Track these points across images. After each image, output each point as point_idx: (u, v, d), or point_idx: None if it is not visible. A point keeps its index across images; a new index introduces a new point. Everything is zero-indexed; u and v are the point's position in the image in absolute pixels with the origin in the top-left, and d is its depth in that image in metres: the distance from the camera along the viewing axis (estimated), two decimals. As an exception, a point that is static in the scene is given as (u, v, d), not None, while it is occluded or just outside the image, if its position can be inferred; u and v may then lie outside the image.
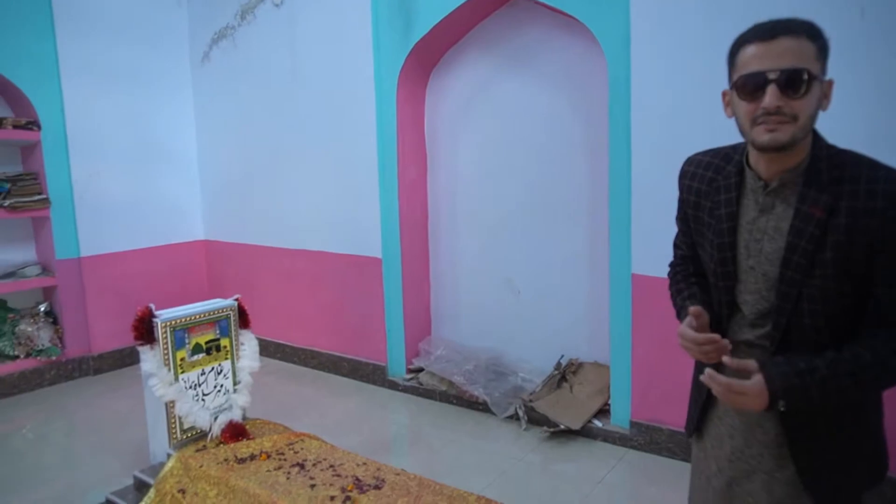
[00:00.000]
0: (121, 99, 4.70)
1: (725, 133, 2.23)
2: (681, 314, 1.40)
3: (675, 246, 1.55)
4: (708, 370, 1.18)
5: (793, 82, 1.12)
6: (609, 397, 3.36)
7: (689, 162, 1.42)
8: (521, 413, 3.50)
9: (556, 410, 3.38)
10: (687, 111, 2.83)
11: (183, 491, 2.45)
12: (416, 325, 4.22)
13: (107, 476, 3.02)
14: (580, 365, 3.65)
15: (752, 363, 1.15)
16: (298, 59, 4.40)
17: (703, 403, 1.40)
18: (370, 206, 4.14)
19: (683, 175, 1.42)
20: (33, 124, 4.24)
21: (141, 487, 2.63)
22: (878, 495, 1.28)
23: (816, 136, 1.22)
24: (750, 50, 1.17)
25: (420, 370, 4.09)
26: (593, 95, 3.46)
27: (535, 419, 3.44)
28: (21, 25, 4.15)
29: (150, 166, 4.92)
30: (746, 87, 1.16)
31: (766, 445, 1.27)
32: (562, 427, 3.29)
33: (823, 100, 1.19)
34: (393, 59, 3.91)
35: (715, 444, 1.37)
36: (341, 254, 4.37)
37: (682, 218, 1.46)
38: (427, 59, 4.01)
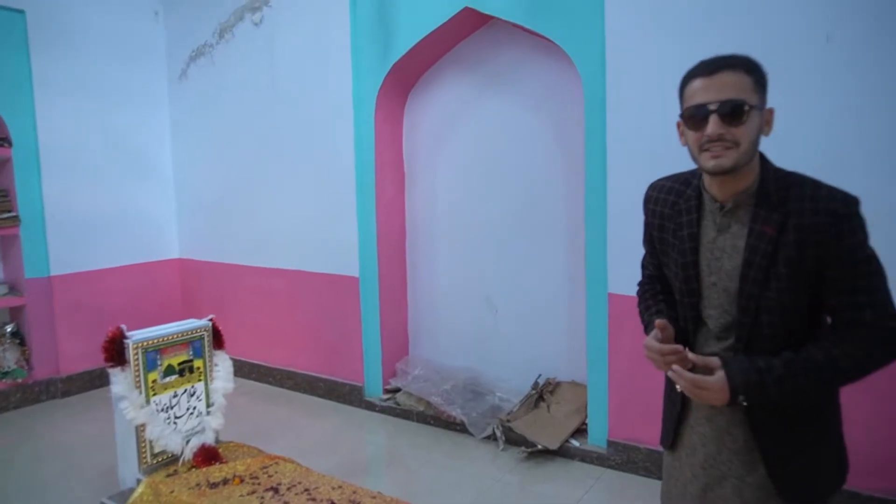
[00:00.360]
0: (95, 115, 4.64)
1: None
2: (648, 329, 1.47)
3: (643, 266, 1.64)
4: (675, 366, 1.27)
5: (732, 112, 1.22)
6: (586, 416, 3.37)
7: (652, 188, 1.51)
8: (498, 433, 3.48)
9: (533, 430, 3.37)
10: (662, 131, 2.86)
11: (152, 517, 2.39)
12: (393, 344, 4.20)
13: (74, 503, 2.92)
14: (557, 384, 3.66)
15: (714, 360, 1.26)
16: (277, 77, 4.40)
17: (678, 415, 1.46)
18: (348, 225, 4.13)
19: (647, 200, 1.51)
20: (4, 141, 4.16)
21: (109, 514, 2.56)
22: (840, 499, 1.38)
23: (764, 161, 1.33)
24: (695, 84, 1.28)
25: (397, 390, 4.06)
26: (570, 116, 3.51)
27: (513, 439, 3.43)
28: (-7, 41, 4.10)
29: (124, 183, 4.85)
30: (693, 117, 1.27)
31: (735, 452, 1.34)
32: (539, 447, 3.28)
33: (766, 126, 1.29)
34: (371, 79, 3.93)
35: (688, 452, 1.43)
36: (318, 272, 4.34)
37: (648, 240, 1.54)
38: (406, 78, 4.04)
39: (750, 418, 1.30)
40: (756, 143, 1.26)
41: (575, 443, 3.34)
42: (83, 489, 3.07)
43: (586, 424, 3.36)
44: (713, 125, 1.22)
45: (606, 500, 2.93)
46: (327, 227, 4.25)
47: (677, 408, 1.45)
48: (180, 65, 4.98)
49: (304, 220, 4.38)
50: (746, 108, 1.22)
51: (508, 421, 3.46)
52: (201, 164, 4.99)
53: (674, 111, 2.41)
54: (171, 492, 2.45)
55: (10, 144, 4.19)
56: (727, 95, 1.22)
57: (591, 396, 3.28)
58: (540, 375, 3.72)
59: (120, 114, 4.79)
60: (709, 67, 1.27)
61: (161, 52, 5.05)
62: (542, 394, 3.60)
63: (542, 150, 3.68)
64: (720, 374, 1.23)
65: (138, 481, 2.58)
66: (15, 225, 4.22)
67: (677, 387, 1.35)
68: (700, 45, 2.77)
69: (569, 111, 3.52)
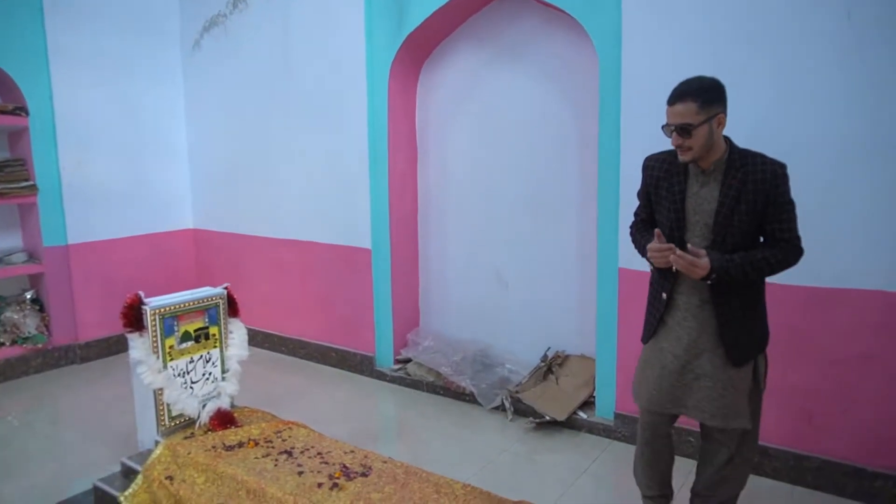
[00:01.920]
0: (110, 86, 4.66)
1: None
2: (644, 249, 2.11)
3: (636, 214, 2.32)
4: (678, 251, 1.95)
5: (682, 131, 1.95)
6: (594, 389, 3.41)
7: (650, 159, 2.21)
8: (507, 404, 3.53)
9: (541, 402, 3.42)
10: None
11: (171, 478, 2.46)
12: (404, 316, 4.25)
13: (94, 463, 3.02)
14: (566, 357, 3.69)
15: (702, 251, 1.95)
16: (290, 48, 4.39)
17: (661, 315, 2.13)
18: (360, 197, 4.15)
19: (646, 168, 2.21)
20: (21, 110, 4.20)
21: (128, 474, 2.64)
22: (762, 357, 2.12)
23: (730, 142, 2.04)
24: (666, 109, 2.00)
25: (408, 361, 4.12)
26: (584, 90, 3.49)
27: (521, 410, 3.48)
28: (10, 11, 4.10)
29: (139, 154, 4.89)
30: (665, 131, 2.01)
31: (710, 335, 2.05)
32: (547, 418, 3.33)
33: (718, 128, 1.97)
34: (385, 51, 3.91)
35: (673, 341, 2.11)
36: (331, 244, 4.38)
37: (645, 195, 2.24)
38: (419, 51, 4.02)
39: (714, 304, 2.02)
40: (708, 141, 1.96)
41: (582, 415, 3.38)
42: (103, 450, 3.18)
43: (594, 397, 3.41)
44: (674, 139, 1.99)
45: (612, 470, 2.98)
46: (340, 199, 4.28)
47: (661, 309, 2.14)
48: (194, 35, 4.97)
49: (317, 192, 4.41)
50: (691, 128, 1.93)
51: (517, 392, 3.51)
52: (215, 134, 5.02)
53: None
54: (189, 453, 2.52)
55: (27, 114, 4.23)
56: (679, 121, 1.95)
57: (599, 370, 3.32)
58: (549, 348, 3.76)
59: (134, 84, 4.81)
60: (670, 99, 1.98)
61: (175, 22, 5.05)
62: (550, 366, 3.64)
63: (555, 123, 3.67)
64: (706, 259, 1.93)
65: (157, 443, 2.66)
66: (33, 194, 4.28)
67: (663, 294, 2.11)
68: (718, 18, 2.74)
69: (583, 85, 3.49)
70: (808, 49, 2.56)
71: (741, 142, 2.34)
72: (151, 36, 4.90)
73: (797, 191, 2.62)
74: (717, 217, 1.99)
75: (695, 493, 2.30)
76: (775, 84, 2.64)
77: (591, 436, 3.30)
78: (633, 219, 2.34)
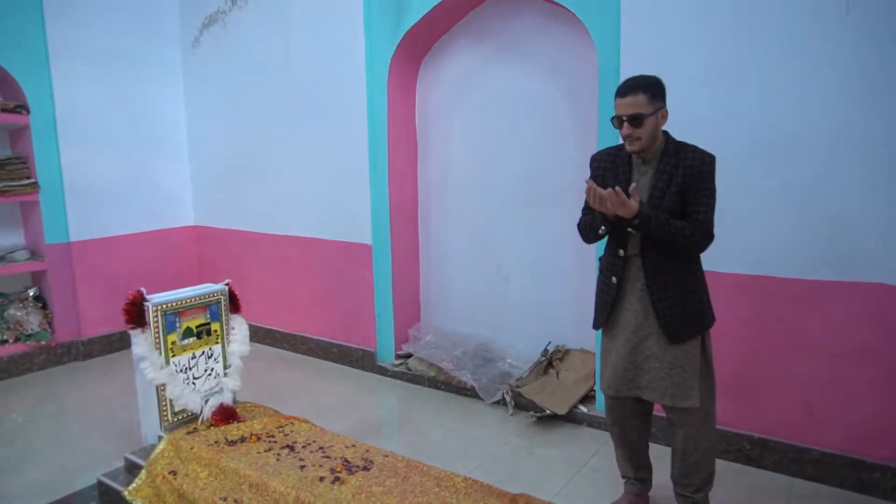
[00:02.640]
0: (110, 83, 4.68)
1: (707, 123, 2.26)
2: (595, 220, 2.27)
3: (584, 211, 2.42)
4: (617, 188, 2.07)
5: (634, 121, 2.12)
6: (595, 383, 3.42)
7: (597, 154, 2.40)
8: (508, 398, 3.55)
9: (542, 396, 3.43)
10: (675, 101, 2.85)
11: (174, 472, 2.48)
12: (405, 311, 4.26)
13: (98, 458, 3.05)
14: (567, 351, 3.71)
15: (637, 195, 2.09)
16: (290, 45, 4.39)
17: (612, 302, 2.28)
18: (360, 193, 4.16)
19: (593, 161, 2.39)
20: (22, 108, 4.21)
21: (132, 469, 2.66)
22: (708, 337, 2.26)
23: (667, 134, 2.24)
24: (616, 101, 2.17)
25: (409, 356, 4.13)
26: (583, 85, 3.49)
27: (522, 405, 3.50)
28: (9, 8, 4.11)
29: (140, 151, 4.90)
30: (615, 122, 2.18)
31: (654, 317, 2.20)
32: (548, 412, 3.34)
33: (661, 120, 2.18)
34: (384, 47, 3.91)
35: (623, 325, 2.27)
36: (331, 240, 4.39)
37: None
38: (418, 47, 4.02)
39: (649, 287, 2.19)
40: (654, 132, 2.16)
41: (583, 409, 3.40)
42: (107, 445, 3.20)
43: (594, 391, 3.42)
44: (624, 129, 2.15)
45: (612, 464, 2.97)
46: (340, 195, 4.29)
47: (612, 294, 2.28)
48: (193, 32, 4.98)
49: (317, 188, 4.42)
50: (642, 118, 2.11)
51: (518, 387, 3.53)
52: (215, 131, 5.02)
53: (687, 81, 2.46)
54: (191, 448, 2.54)
55: (28, 111, 4.24)
56: (630, 111, 2.12)
57: (599, 364, 3.32)
58: (549, 343, 3.77)
59: (134, 81, 4.82)
60: (621, 92, 2.15)
61: (174, 18, 5.05)
62: (551, 361, 3.65)
63: (554, 118, 3.67)
64: (635, 202, 2.07)
65: (160, 438, 2.68)
66: (35, 191, 4.30)
67: (613, 279, 2.26)
68: (717, 13, 2.74)
69: (582, 80, 3.49)
70: (808, 44, 2.57)
71: (742, 134, 2.35)
72: (151, 33, 4.91)
73: (796, 183, 2.65)
74: (650, 199, 2.19)
75: (674, 481, 2.42)
76: (775, 78, 2.64)
77: (591, 429, 3.31)
78: (581, 216, 2.44)
